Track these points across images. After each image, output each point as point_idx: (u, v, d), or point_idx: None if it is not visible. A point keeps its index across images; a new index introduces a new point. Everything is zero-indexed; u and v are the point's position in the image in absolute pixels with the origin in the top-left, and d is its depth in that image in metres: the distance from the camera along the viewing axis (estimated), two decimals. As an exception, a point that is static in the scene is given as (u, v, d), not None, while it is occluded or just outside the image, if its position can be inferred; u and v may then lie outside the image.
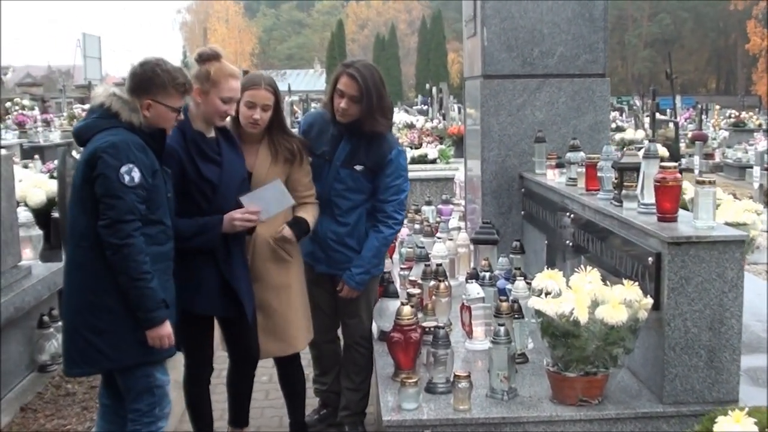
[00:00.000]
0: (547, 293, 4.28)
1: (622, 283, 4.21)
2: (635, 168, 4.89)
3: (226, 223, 4.94)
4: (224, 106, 4.93)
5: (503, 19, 7.29)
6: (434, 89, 35.02)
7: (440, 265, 5.77)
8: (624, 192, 4.90)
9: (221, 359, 5.67)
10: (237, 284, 5.05)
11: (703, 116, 31.65)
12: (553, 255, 6.31)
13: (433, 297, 5.39)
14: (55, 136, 25.92)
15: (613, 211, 4.91)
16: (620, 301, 4.10)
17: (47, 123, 28.75)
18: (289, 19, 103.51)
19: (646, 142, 15.79)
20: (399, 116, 30.48)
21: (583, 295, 4.15)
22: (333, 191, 5.55)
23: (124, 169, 4.25)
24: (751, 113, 37.85)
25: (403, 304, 4.81)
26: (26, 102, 33.42)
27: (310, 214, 5.40)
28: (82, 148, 4.47)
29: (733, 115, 36.39)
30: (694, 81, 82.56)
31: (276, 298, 5.39)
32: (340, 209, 5.57)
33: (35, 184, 9.78)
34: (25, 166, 13.79)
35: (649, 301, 4.19)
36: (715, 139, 30.08)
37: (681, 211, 4.54)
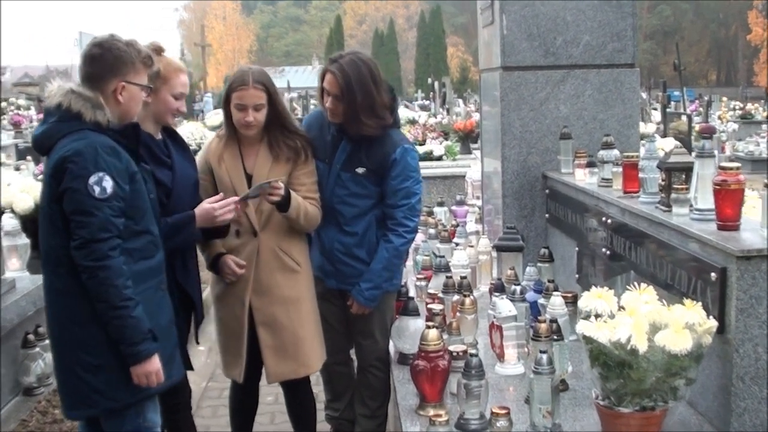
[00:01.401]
0: (597, 316, 3.70)
1: (681, 302, 3.64)
2: (686, 169, 4.35)
3: (203, 216, 4.53)
4: (176, 103, 4.60)
5: (523, 6, 6.76)
6: (436, 84, 34.51)
7: (465, 277, 5.21)
8: (673, 195, 4.34)
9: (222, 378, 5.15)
10: (192, 290, 4.74)
11: (709, 108, 31.07)
12: (586, 263, 5.76)
13: (458, 314, 4.84)
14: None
15: (662, 218, 4.35)
16: (683, 326, 3.52)
17: (182, 114, 28.43)
18: (286, 16, 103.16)
19: (657, 135, 15.18)
20: (400, 112, 29.91)
21: (640, 318, 3.56)
22: (335, 198, 5.07)
23: (93, 179, 3.72)
24: (756, 105, 37.27)
25: (428, 326, 4.23)
26: (22, 102, 32.96)
27: (301, 201, 4.89)
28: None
29: (738, 107, 35.86)
30: (694, 72, 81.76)
31: (285, 313, 4.93)
32: (345, 217, 5.08)
33: (23, 189, 9.22)
34: (17, 168, 13.28)
35: (714, 324, 3.60)
36: (723, 131, 29.51)
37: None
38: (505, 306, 4.57)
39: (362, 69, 4.90)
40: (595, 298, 3.78)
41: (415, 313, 4.86)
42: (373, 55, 67.85)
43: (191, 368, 4.86)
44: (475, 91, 47.22)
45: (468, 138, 18.32)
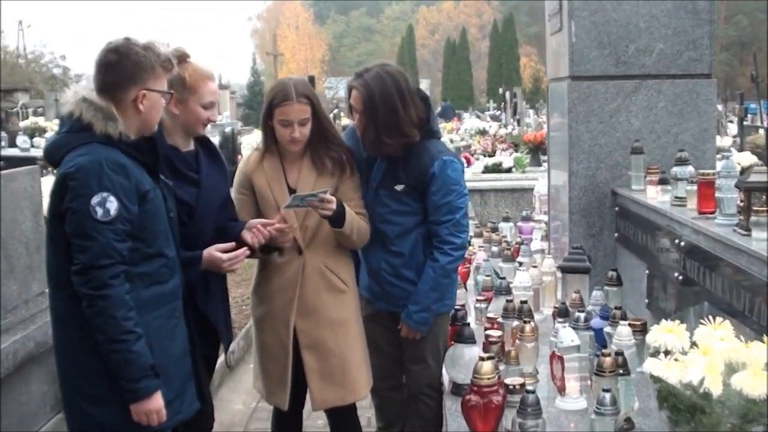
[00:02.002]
0: (667, 352, 3.35)
1: (761, 339, 3.26)
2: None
3: (210, 262, 4.25)
4: (206, 113, 4.32)
5: (593, 12, 6.42)
6: (507, 94, 34.13)
7: (525, 302, 4.86)
8: (753, 218, 4.00)
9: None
10: (214, 317, 4.44)
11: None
12: (656, 287, 5.41)
13: (517, 341, 4.51)
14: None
15: (740, 242, 3.99)
16: (762, 366, 3.15)
17: (214, 123, 28.61)
18: (359, 26, 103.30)
19: (733, 150, 14.68)
20: (471, 122, 29.67)
21: (714, 358, 3.19)
22: (377, 217, 4.78)
23: (95, 199, 3.42)
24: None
25: (482, 358, 3.90)
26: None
27: (354, 215, 4.63)
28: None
29: (820, 121, 34.82)
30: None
31: (333, 336, 4.64)
32: (389, 237, 4.78)
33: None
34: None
35: (799, 363, 3.23)
36: (806, 147, 28.65)
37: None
38: (567, 335, 4.22)
39: (387, 83, 4.62)
40: (665, 333, 3.43)
41: (471, 340, 4.54)
42: (444, 64, 68.25)
43: (206, 401, 4.42)
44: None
45: (538, 150, 17.86)
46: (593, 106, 6.45)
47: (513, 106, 31.68)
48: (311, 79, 20.13)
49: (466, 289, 6.26)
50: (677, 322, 3.47)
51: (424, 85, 49.12)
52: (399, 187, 4.72)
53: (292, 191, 4.53)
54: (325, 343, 4.62)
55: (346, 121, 31.07)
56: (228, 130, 16.30)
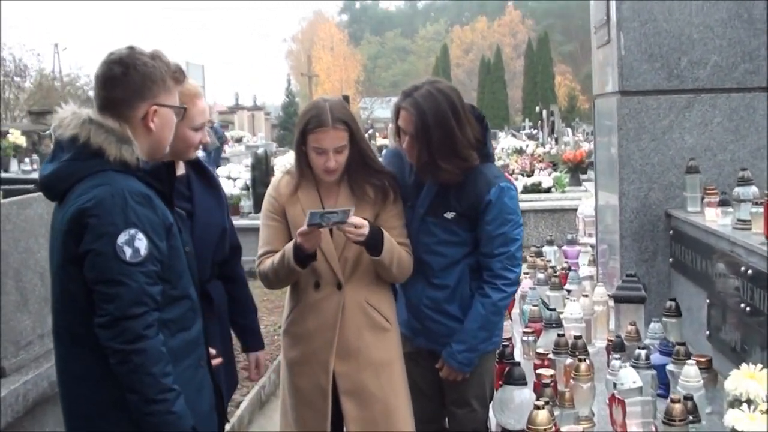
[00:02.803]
0: (749, 402, 2.95)
1: None
2: None
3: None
4: (197, 136, 3.88)
5: (644, 23, 6.01)
6: (544, 112, 33.74)
7: (579, 337, 4.46)
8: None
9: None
10: (217, 377, 3.85)
11: None
12: (717, 317, 4.98)
13: (571, 381, 4.11)
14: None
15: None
16: None
17: (206, 145, 28.53)
18: (393, 46, 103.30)
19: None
20: (507, 141, 29.32)
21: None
22: (421, 246, 4.35)
23: (122, 238, 2.97)
24: None
25: (537, 406, 3.51)
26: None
27: (395, 243, 4.21)
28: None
29: None
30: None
31: (375, 380, 4.23)
32: (433, 269, 4.35)
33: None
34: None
35: None
36: None
37: None
38: (628, 376, 3.83)
39: (440, 102, 4.18)
40: (746, 379, 3.03)
41: (522, 382, 4.14)
42: (479, 84, 68.01)
43: None
44: (584, 120, 46.36)
45: (578, 169, 17.54)
46: (644, 122, 6.04)
47: (550, 125, 31.30)
48: (346, 99, 19.78)
49: (511, 319, 5.87)
50: (759, 366, 3.06)
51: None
52: (449, 215, 4.30)
53: None
54: (368, 388, 4.22)
55: (381, 141, 30.78)
56: (261, 151, 15.99)
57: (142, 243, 3.00)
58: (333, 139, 4.07)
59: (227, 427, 6.47)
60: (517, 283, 4.44)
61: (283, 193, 4.31)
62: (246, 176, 15.51)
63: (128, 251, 2.97)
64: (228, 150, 32.87)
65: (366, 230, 4.02)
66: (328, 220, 3.92)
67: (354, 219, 3.98)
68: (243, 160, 21.90)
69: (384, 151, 4.89)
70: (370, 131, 26.08)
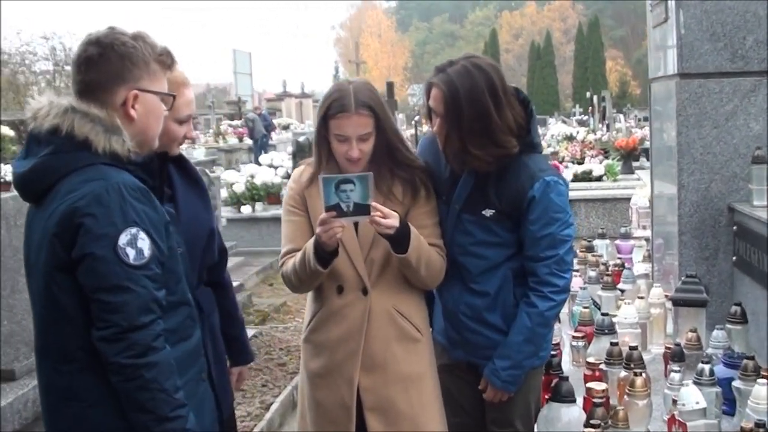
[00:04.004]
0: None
1: None
2: None
3: None
4: (182, 129, 3.46)
5: (705, -1, 5.51)
6: (595, 98, 33.16)
7: (635, 347, 4.02)
8: None
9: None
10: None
11: None
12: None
13: (626, 397, 3.69)
14: (199, 154, 25.82)
15: None
16: None
17: (192, 140, 28.56)
18: (441, 32, 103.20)
19: None
20: (557, 127, 28.86)
21: None
22: (458, 248, 3.86)
23: (123, 238, 2.63)
24: None
25: (590, 425, 3.08)
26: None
27: (423, 242, 3.75)
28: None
29: None
30: None
31: (404, 395, 3.78)
32: (471, 272, 3.86)
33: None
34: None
35: None
36: None
37: None
38: (691, 396, 3.41)
39: (476, 79, 3.66)
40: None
41: (570, 399, 3.70)
42: (529, 69, 67.90)
43: None
44: (635, 106, 45.68)
45: (630, 156, 17.07)
46: (706, 108, 5.55)
47: (601, 111, 30.73)
48: (389, 86, 19.36)
49: (559, 321, 5.44)
50: None
51: (508, 90, 48.26)
52: (487, 213, 3.79)
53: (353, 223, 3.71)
54: (395, 404, 3.78)
55: (427, 128, 30.40)
56: (303, 138, 15.65)
57: (145, 243, 2.67)
58: (356, 126, 3.63)
59: (258, 428, 6.17)
60: (567, 290, 3.90)
61: (305, 184, 3.89)
62: (288, 164, 15.23)
63: (131, 253, 2.64)
64: (275, 137, 32.75)
65: (395, 221, 3.57)
66: (347, 201, 3.44)
67: (382, 209, 3.56)
68: (287, 148, 21.69)
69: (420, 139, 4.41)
70: (417, 118, 25.62)
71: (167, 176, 3.52)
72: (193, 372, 2.95)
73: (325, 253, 3.60)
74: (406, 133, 21.35)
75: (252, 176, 14.72)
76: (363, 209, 3.46)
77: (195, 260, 3.50)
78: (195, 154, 25.45)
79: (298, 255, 3.73)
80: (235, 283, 8.54)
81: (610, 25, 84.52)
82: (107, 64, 2.79)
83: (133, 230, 2.64)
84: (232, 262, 11.74)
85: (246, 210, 14.04)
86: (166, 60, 2.94)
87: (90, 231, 2.62)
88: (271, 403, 6.66)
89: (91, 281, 2.63)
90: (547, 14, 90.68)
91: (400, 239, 3.61)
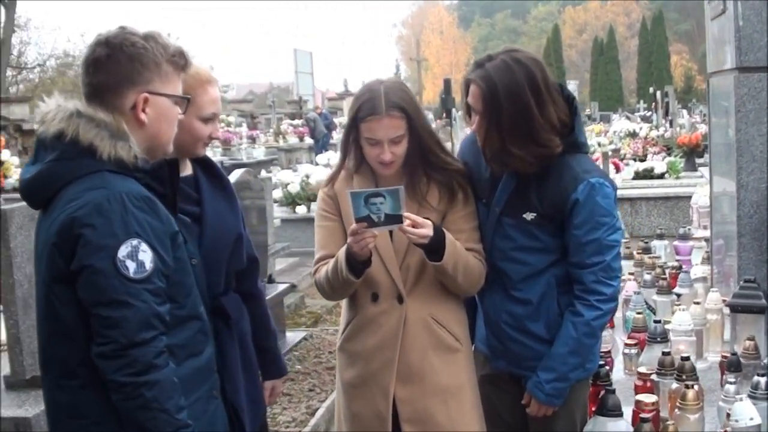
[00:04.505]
0: None
1: None
2: None
3: None
4: (207, 128, 3.34)
5: (766, -12, 5.27)
6: (658, 93, 32.70)
7: (687, 358, 3.80)
8: None
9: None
10: (237, 398, 3.40)
11: None
12: None
13: (677, 411, 3.48)
14: (259, 153, 25.88)
15: None
16: None
17: (253, 139, 28.68)
18: (504, 28, 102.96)
19: None
20: (620, 124, 28.52)
21: None
22: (499, 253, 3.67)
23: (123, 250, 2.51)
24: None
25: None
26: (232, 119, 33.05)
27: (460, 248, 3.57)
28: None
29: None
30: None
31: (443, 407, 3.62)
32: (512, 279, 3.67)
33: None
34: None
35: None
36: None
37: None
38: (744, 411, 3.21)
39: (517, 75, 3.45)
40: None
41: (617, 413, 3.49)
42: (592, 65, 67.62)
43: None
44: (701, 101, 45.04)
45: (693, 153, 16.73)
46: (766, 103, 5.30)
47: (665, 107, 30.31)
48: (446, 83, 19.19)
49: (613, 326, 5.23)
50: None
51: (571, 86, 47.72)
52: (529, 216, 3.59)
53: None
54: (433, 416, 3.62)
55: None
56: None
57: (146, 255, 2.54)
58: (387, 129, 3.47)
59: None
60: (614, 299, 3.70)
61: (337, 188, 3.74)
62: (345, 164, 15.12)
63: (131, 266, 2.51)
64: (336, 137, 32.74)
65: (429, 230, 3.41)
66: (378, 213, 3.29)
67: (415, 218, 3.40)
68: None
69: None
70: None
71: (194, 180, 3.41)
72: (204, 389, 2.83)
73: (358, 263, 3.46)
74: (466, 130, 21.10)
75: (307, 176, 14.62)
76: (395, 219, 3.31)
77: (221, 264, 3.39)
78: (255, 153, 25.54)
79: (331, 263, 3.59)
80: (288, 284, 8.50)
81: (675, 19, 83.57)
82: (116, 66, 2.68)
83: (135, 242, 2.52)
84: (286, 262, 11.68)
85: (301, 210, 13.95)
86: (179, 61, 2.80)
87: (89, 242, 2.50)
88: (317, 409, 6.52)
89: (90, 295, 2.52)
90: (611, 9, 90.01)
91: (434, 247, 3.45)
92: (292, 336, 8.49)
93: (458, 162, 3.72)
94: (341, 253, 3.51)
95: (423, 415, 3.62)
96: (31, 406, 5.00)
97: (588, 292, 3.54)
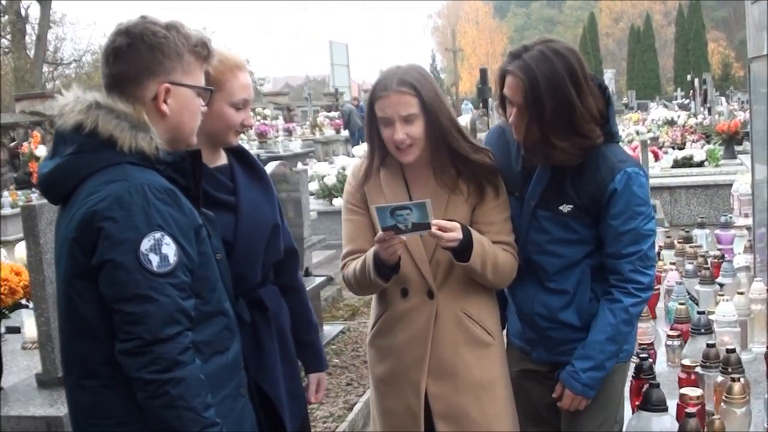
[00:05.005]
0: None
1: None
2: None
3: None
4: (239, 115, 3.24)
5: (808, -30, 5.14)
6: (696, 81, 32.34)
7: (733, 350, 3.70)
8: None
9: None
10: (276, 393, 3.31)
11: None
12: None
13: (723, 404, 3.39)
14: (296, 145, 25.78)
15: None
16: None
17: (289, 132, 28.60)
18: (540, 17, 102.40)
19: None
20: (658, 112, 28.25)
21: None
22: (533, 246, 3.55)
23: (146, 243, 2.41)
24: None
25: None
26: (268, 111, 32.98)
27: (487, 244, 3.47)
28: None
29: None
30: None
31: (476, 403, 3.51)
32: (547, 272, 3.55)
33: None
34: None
35: None
36: None
37: None
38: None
39: (556, 66, 3.33)
40: None
41: (661, 407, 3.40)
42: (629, 53, 67.35)
43: None
44: (738, 89, 44.52)
45: (732, 141, 16.49)
46: (809, 88, 5.19)
47: (703, 94, 29.95)
48: (483, 72, 19.06)
49: (655, 317, 5.13)
50: None
51: (608, 75, 47.45)
52: (565, 208, 3.47)
53: None
54: (467, 412, 3.52)
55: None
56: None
57: (170, 248, 2.45)
58: (397, 105, 3.36)
59: (340, 429, 5.96)
60: (651, 288, 3.56)
61: (362, 179, 3.64)
62: (381, 155, 15.07)
63: (155, 260, 2.42)
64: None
65: (459, 234, 3.32)
66: (405, 222, 3.19)
67: (442, 223, 3.30)
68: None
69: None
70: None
71: (229, 169, 3.34)
72: (231, 387, 2.74)
73: (386, 269, 3.38)
74: (499, 121, 20.90)
75: (344, 168, 14.57)
76: (423, 226, 3.21)
77: (257, 255, 3.30)
78: (291, 146, 25.51)
79: (359, 262, 3.50)
80: (325, 277, 8.42)
81: (712, 6, 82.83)
82: (136, 56, 2.58)
83: (157, 235, 2.43)
84: (323, 255, 11.61)
85: (337, 202, 13.89)
86: (201, 51, 2.71)
87: (110, 236, 2.41)
88: (355, 404, 6.42)
89: (112, 290, 2.43)
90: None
91: (462, 248, 3.37)
92: (330, 329, 8.42)
93: (486, 152, 3.59)
94: (369, 255, 3.43)
95: (456, 410, 3.54)
96: (63, 405, 4.94)
97: (626, 281, 3.44)
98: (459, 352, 3.51)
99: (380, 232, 3.23)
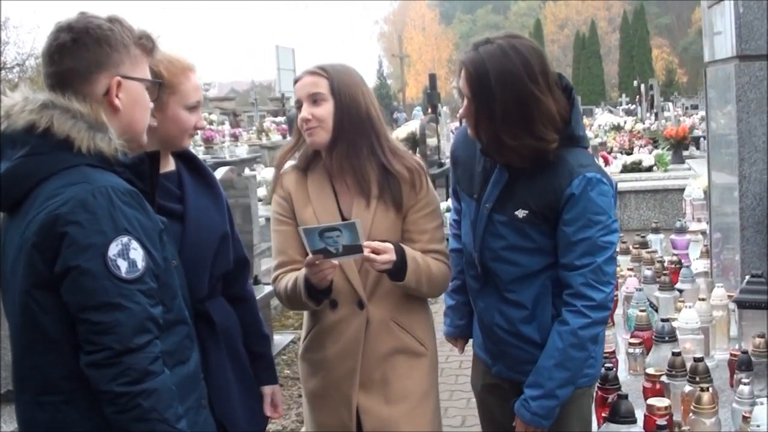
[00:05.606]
0: None
1: None
2: None
3: None
4: (192, 118, 3.15)
5: (766, -26, 5.12)
6: (642, 86, 32.65)
7: (701, 359, 3.62)
8: None
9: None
10: (226, 412, 3.19)
11: None
12: None
13: (691, 415, 3.32)
14: (242, 151, 25.66)
15: None
16: None
17: (235, 138, 28.45)
18: (485, 23, 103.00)
19: None
20: (603, 117, 28.48)
21: None
22: (489, 251, 3.41)
23: (114, 248, 2.31)
24: None
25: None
26: (213, 117, 32.76)
27: (420, 260, 3.41)
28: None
29: None
30: None
31: (407, 417, 3.51)
32: (503, 280, 3.41)
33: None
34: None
35: None
36: None
37: None
38: (763, 416, 3.03)
39: (512, 61, 3.18)
40: None
41: (629, 419, 3.29)
42: (574, 59, 68.06)
43: None
44: (682, 95, 45.00)
45: (680, 146, 16.67)
46: None
47: (649, 99, 30.27)
48: (432, 77, 19.13)
49: (613, 322, 5.06)
50: None
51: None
52: (520, 213, 3.32)
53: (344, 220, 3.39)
54: (397, 426, 3.50)
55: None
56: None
57: (138, 253, 2.36)
58: (306, 85, 3.38)
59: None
60: (605, 307, 3.36)
61: (290, 188, 3.59)
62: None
63: (123, 265, 2.33)
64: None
65: (392, 255, 3.26)
66: (335, 245, 3.11)
67: (374, 245, 3.22)
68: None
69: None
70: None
71: (177, 176, 3.23)
72: (192, 399, 2.64)
73: (317, 292, 3.31)
74: (451, 126, 20.86)
75: (292, 173, 14.45)
76: (354, 249, 3.13)
77: (204, 266, 3.19)
78: (238, 151, 25.31)
79: (290, 281, 3.43)
80: (269, 287, 8.31)
81: (656, 13, 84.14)
82: (83, 51, 2.48)
83: (125, 239, 2.33)
84: (271, 262, 11.45)
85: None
86: (147, 44, 2.63)
87: (75, 241, 2.30)
88: (308, 416, 6.37)
89: (78, 299, 2.31)
90: (592, 3, 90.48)
91: (397, 269, 3.30)
92: (280, 339, 8.32)
93: (410, 156, 3.56)
94: (300, 277, 3.35)
95: (386, 424, 3.50)
96: (6, 423, 4.81)
97: (576, 297, 3.26)
98: (390, 362, 3.49)
99: (310, 256, 3.13)
